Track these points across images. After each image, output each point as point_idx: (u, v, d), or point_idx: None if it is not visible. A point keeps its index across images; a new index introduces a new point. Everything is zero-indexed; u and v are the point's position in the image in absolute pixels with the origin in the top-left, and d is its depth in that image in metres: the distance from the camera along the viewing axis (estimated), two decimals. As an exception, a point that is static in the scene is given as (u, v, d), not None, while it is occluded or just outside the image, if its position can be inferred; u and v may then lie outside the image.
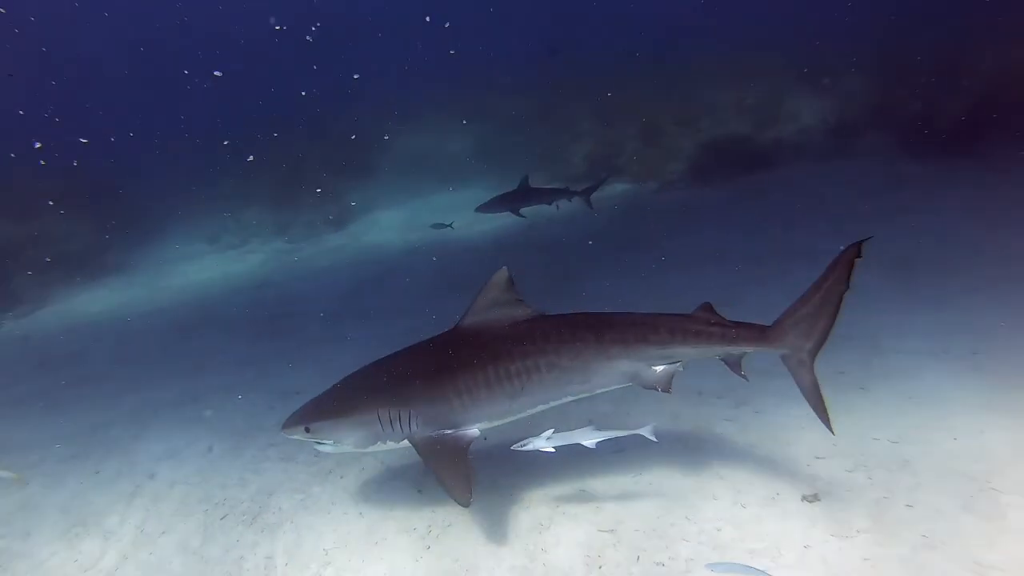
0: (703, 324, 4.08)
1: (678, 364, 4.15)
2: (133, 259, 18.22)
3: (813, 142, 15.78)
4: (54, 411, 8.07)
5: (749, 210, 12.24)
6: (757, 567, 3.33)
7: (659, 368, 4.15)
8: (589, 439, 4.09)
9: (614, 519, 4.29)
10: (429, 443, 4.13)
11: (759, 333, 4.00)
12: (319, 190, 17.61)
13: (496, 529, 4.37)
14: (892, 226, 9.52)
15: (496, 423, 4.34)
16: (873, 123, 15.49)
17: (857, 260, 3.78)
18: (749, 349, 4.07)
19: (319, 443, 4.32)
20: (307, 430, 4.27)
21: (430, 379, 4.18)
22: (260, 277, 15.06)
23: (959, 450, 4.47)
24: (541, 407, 4.33)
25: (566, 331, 4.18)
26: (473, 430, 4.22)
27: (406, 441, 4.21)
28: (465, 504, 3.88)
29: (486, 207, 12.53)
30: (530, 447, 4.06)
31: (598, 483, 4.71)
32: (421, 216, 16.92)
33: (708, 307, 4.16)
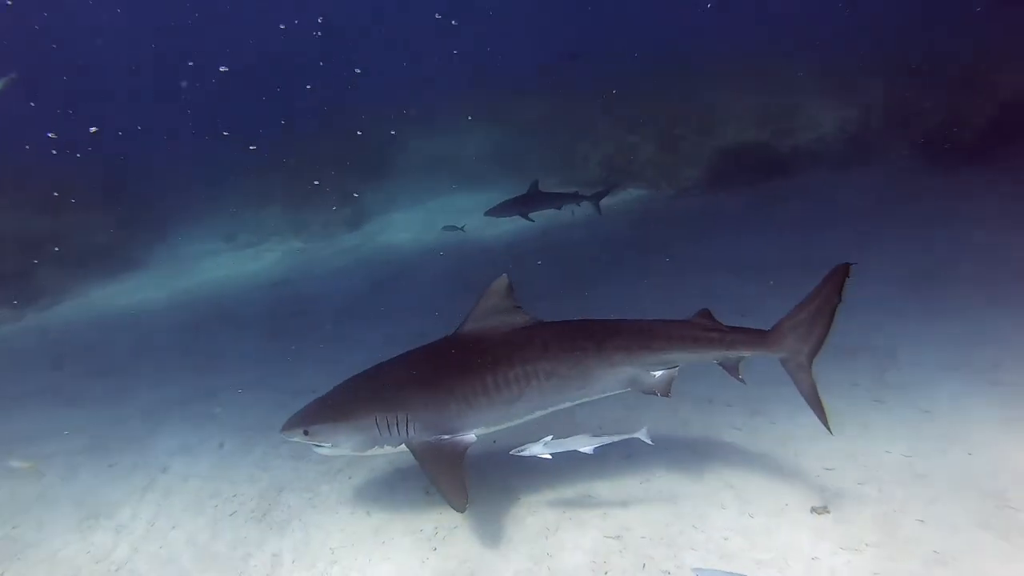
0: (702, 330, 4.17)
1: (676, 369, 4.21)
2: (152, 255, 18.48)
3: (832, 150, 15.62)
4: (71, 404, 8.19)
5: (766, 218, 12.14)
6: (742, 573, 3.35)
7: (658, 373, 4.21)
8: (586, 445, 4.12)
9: (621, 526, 4.27)
10: (426, 448, 4.16)
11: (758, 338, 4.09)
12: (316, 182, 17.70)
13: (503, 532, 4.36)
14: (911, 236, 9.40)
15: (494, 428, 4.37)
16: (894, 131, 15.30)
17: (847, 279, 3.96)
18: (748, 353, 4.14)
19: (318, 446, 4.36)
20: (306, 433, 4.32)
21: (428, 385, 4.22)
22: (275, 276, 15.19)
23: (975, 466, 4.40)
24: (539, 412, 4.36)
25: (565, 338, 4.24)
26: (470, 436, 4.26)
27: (403, 446, 4.25)
28: (460, 509, 3.92)
29: (495, 211, 12.60)
30: (527, 453, 4.11)
31: (606, 489, 4.70)
32: (436, 218, 16.99)
33: (707, 313, 4.25)
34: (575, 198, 12.45)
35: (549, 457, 4.12)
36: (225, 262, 17.59)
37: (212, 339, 10.40)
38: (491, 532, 4.38)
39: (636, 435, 4.14)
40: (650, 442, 4.15)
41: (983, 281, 7.40)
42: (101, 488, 5.81)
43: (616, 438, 4.14)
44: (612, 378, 4.25)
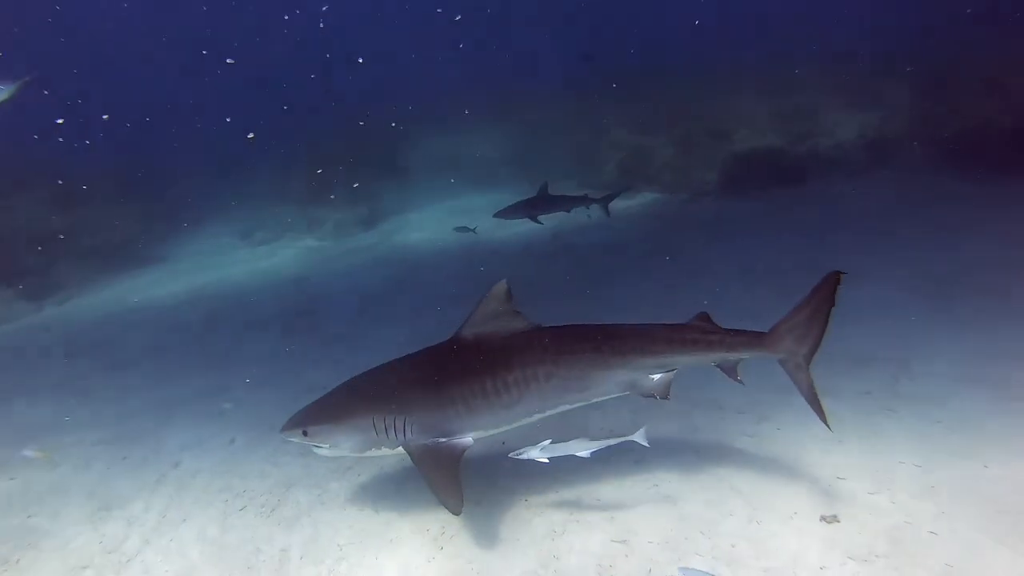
0: (701, 333, 4.25)
1: (674, 372, 4.28)
2: (168, 251, 18.68)
3: (850, 156, 15.47)
4: (87, 396, 8.30)
5: (781, 224, 12.04)
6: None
7: (656, 376, 4.28)
8: (583, 449, 4.15)
9: (628, 530, 4.26)
10: (423, 451, 4.20)
11: (757, 340, 4.19)
12: (320, 170, 17.78)
13: (510, 533, 4.37)
14: (927, 244, 9.30)
15: (492, 432, 4.41)
16: (915, 137, 15.12)
17: (839, 286, 4.14)
18: (747, 355, 4.23)
19: (317, 446, 4.41)
20: (305, 433, 4.38)
21: (426, 388, 4.26)
22: (290, 273, 15.29)
23: (990, 479, 4.34)
24: (538, 416, 4.40)
25: (564, 342, 4.29)
26: (467, 439, 4.29)
27: (401, 448, 4.29)
28: (456, 512, 3.96)
29: (504, 213, 12.63)
30: (526, 456, 4.16)
31: (614, 492, 4.68)
32: (451, 218, 17.03)
33: (705, 316, 4.35)
34: (584, 201, 12.45)
35: (547, 461, 4.17)
36: (240, 259, 17.74)
37: (226, 336, 10.50)
38: (498, 533, 4.39)
39: (632, 437, 4.17)
40: (646, 444, 4.20)
41: (1000, 292, 7.30)
42: (114, 480, 5.88)
43: (612, 441, 4.17)
44: (611, 381, 4.30)
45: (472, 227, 14.20)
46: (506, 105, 22.55)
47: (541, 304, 8.90)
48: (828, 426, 4.13)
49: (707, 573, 3.45)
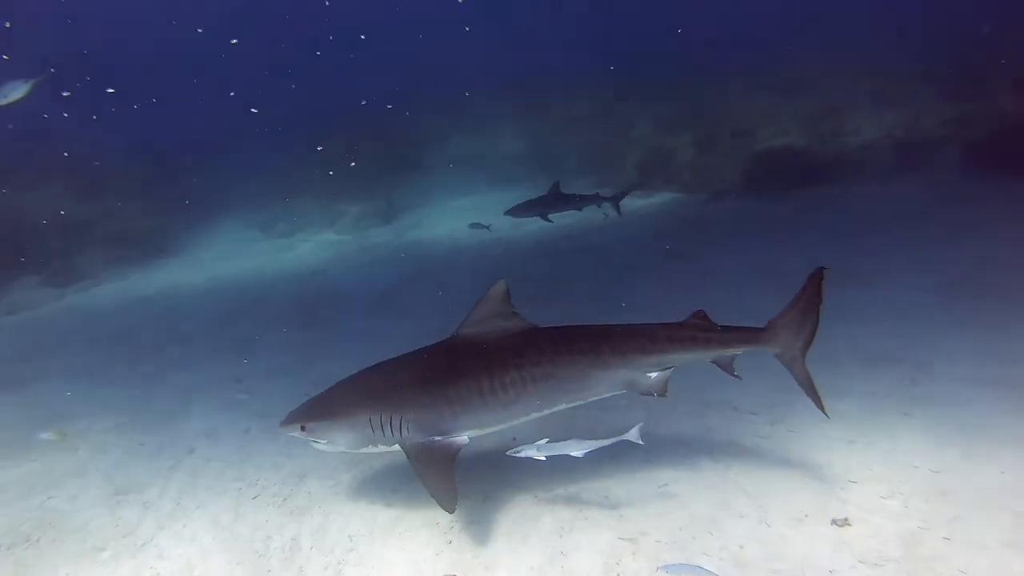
0: (698, 331, 4.37)
1: (671, 370, 4.38)
2: (189, 242, 18.94)
3: (876, 156, 15.20)
4: (105, 383, 8.46)
5: (801, 226, 11.90)
6: (709, 568, 3.48)
7: (653, 374, 4.36)
8: (578, 449, 4.19)
9: (636, 528, 4.24)
10: (418, 448, 4.24)
11: (754, 335, 4.37)
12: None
13: (518, 529, 4.37)
14: (953, 247, 9.12)
15: (488, 430, 4.44)
16: (942, 138, 14.83)
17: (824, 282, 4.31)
18: (744, 350, 4.41)
19: (315, 441, 4.48)
20: (303, 429, 4.45)
21: (422, 386, 4.31)
22: (307, 267, 15.44)
23: (1008, 485, 4.26)
24: (535, 415, 4.43)
25: (562, 342, 4.35)
26: (463, 438, 4.33)
27: (397, 445, 4.33)
28: (449, 510, 4.03)
29: (515, 211, 12.65)
30: (523, 454, 4.21)
31: (623, 491, 4.67)
32: (469, 215, 17.05)
33: (702, 314, 4.45)
34: (595, 200, 12.44)
35: (544, 459, 4.22)
36: (260, 251, 17.95)
37: (243, 327, 10.62)
38: (506, 528, 4.39)
39: (626, 436, 4.20)
40: (641, 442, 4.23)
41: (1019, 295, 7.16)
42: (130, 465, 5.99)
43: (607, 442, 4.21)
44: (609, 380, 4.36)
45: (486, 224, 14.23)
46: (526, 102, 22.52)
47: (554, 304, 8.94)
48: (826, 414, 4.33)
49: (690, 566, 3.52)
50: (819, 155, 15.79)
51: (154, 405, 7.43)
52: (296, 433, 4.49)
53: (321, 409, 4.50)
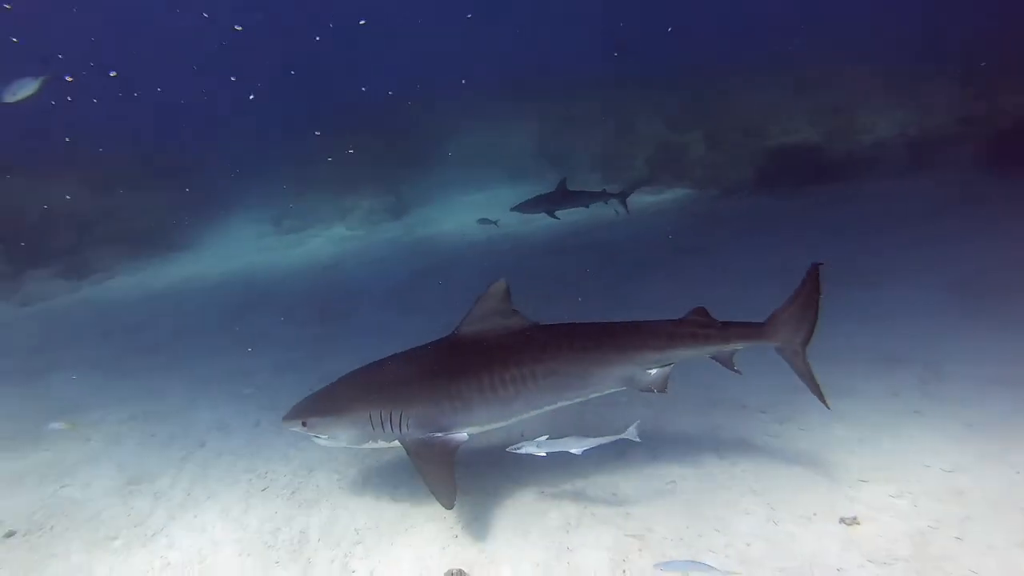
0: (698, 327, 4.40)
1: (671, 366, 4.41)
2: (202, 237, 19.07)
3: (889, 154, 15.05)
4: (118, 375, 8.55)
5: (814, 224, 11.80)
6: (711, 564, 3.51)
7: (653, 371, 4.39)
8: (577, 447, 4.21)
9: (643, 525, 4.24)
10: (418, 445, 4.27)
11: (755, 330, 4.41)
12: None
13: (524, 525, 4.38)
14: (965, 245, 9.01)
15: (488, 427, 4.46)
16: (957, 136, 14.64)
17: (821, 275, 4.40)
18: (742, 345, 4.44)
19: (316, 437, 4.51)
20: (304, 424, 4.48)
21: (422, 383, 4.33)
22: (318, 262, 15.51)
23: (1021, 485, 4.21)
24: (534, 412, 4.45)
25: (562, 339, 4.37)
26: (462, 434, 4.35)
27: (397, 441, 4.35)
28: (448, 506, 4.06)
29: (522, 207, 12.64)
30: (523, 451, 4.22)
31: (630, 487, 4.67)
32: (480, 211, 17.05)
33: (702, 311, 4.49)
34: (602, 196, 12.41)
35: (544, 455, 4.24)
36: (271, 246, 18.04)
37: (254, 321, 10.69)
38: (513, 524, 4.40)
39: (624, 435, 4.20)
40: (638, 440, 4.24)
41: (1035, 294, 7.07)
42: (143, 456, 6.05)
43: (606, 440, 4.22)
44: (608, 377, 4.39)
45: (494, 220, 14.23)
46: (536, 98, 22.46)
47: (563, 301, 8.93)
48: (826, 404, 4.36)
49: (690, 562, 3.54)
50: (832, 152, 15.65)
51: (166, 397, 7.50)
52: (298, 428, 4.54)
53: (323, 405, 4.54)
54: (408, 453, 4.28)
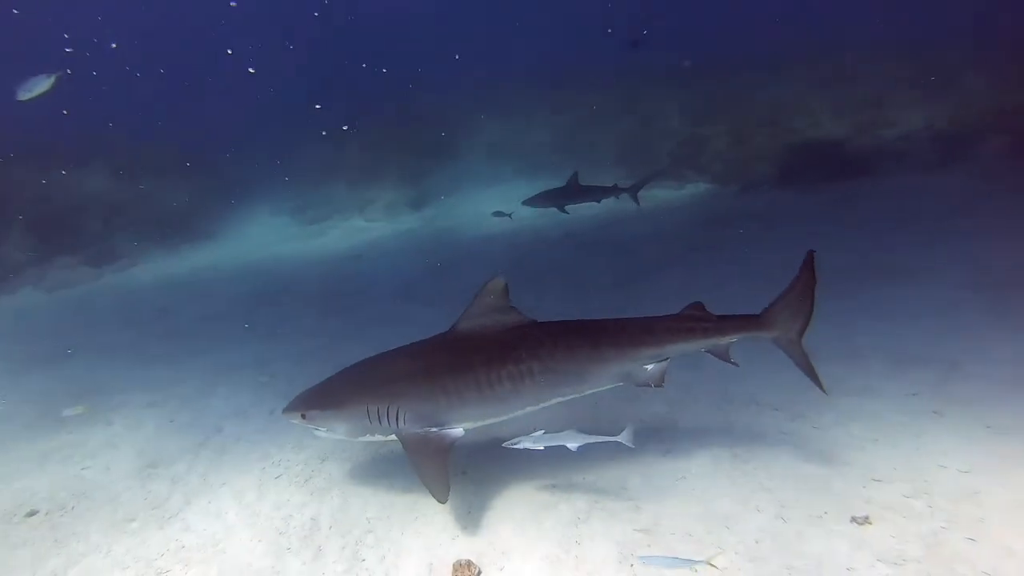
0: (695, 321, 4.44)
1: (667, 361, 4.44)
2: (222, 226, 19.29)
3: (916, 149, 14.73)
4: (141, 361, 8.71)
5: (836, 219, 11.59)
6: (696, 559, 3.54)
7: (650, 366, 4.41)
8: (573, 442, 4.24)
9: (652, 520, 4.23)
10: (414, 439, 4.29)
11: (752, 322, 4.45)
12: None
13: (534, 517, 4.39)
14: (994, 242, 8.82)
15: (484, 423, 4.48)
16: (986, 129, 14.29)
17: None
18: (741, 336, 4.47)
19: (315, 429, 4.57)
20: (303, 417, 4.54)
21: (419, 379, 4.36)
22: (337, 253, 15.63)
23: (1039, 488, 4.13)
24: (530, 409, 4.46)
25: (559, 336, 4.38)
26: (458, 430, 4.37)
27: (394, 435, 4.39)
28: (442, 500, 4.09)
29: (533, 201, 12.62)
30: (520, 446, 4.25)
31: (640, 482, 4.66)
32: (499, 204, 17.06)
33: (699, 306, 4.54)
34: (614, 191, 12.36)
35: (542, 448, 4.26)
36: (291, 236, 18.22)
37: (272, 310, 10.82)
38: (523, 516, 4.41)
39: (617, 438, 4.21)
40: (631, 445, 4.23)
41: (1066, 295, 6.91)
42: (161, 441, 6.17)
43: (601, 438, 4.23)
44: (605, 373, 4.40)
45: (508, 212, 14.23)
46: (557, 91, 22.35)
47: (579, 294, 8.89)
48: (824, 390, 4.43)
49: (667, 558, 3.60)
50: (856, 146, 15.38)
51: (186, 383, 7.63)
52: (297, 420, 4.59)
53: (321, 398, 4.59)
54: (404, 447, 4.31)
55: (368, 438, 4.50)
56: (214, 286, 13.64)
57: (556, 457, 4.62)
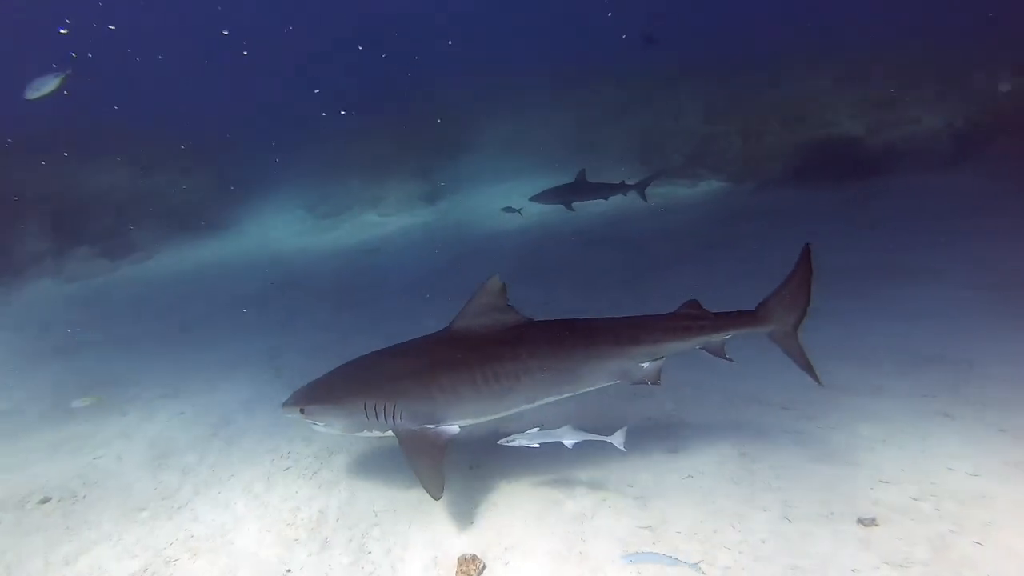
0: (690, 319, 4.49)
1: (663, 359, 4.48)
2: (237, 220, 19.44)
3: (933, 147, 14.55)
4: (154, 353, 8.82)
5: (850, 219, 11.47)
6: (682, 559, 3.53)
7: (646, 364, 4.45)
8: (569, 439, 4.25)
9: (657, 518, 4.23)
10: (410, 436, 4.31)
11: (748, 317, 4.50)
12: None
13: (540, 513, 4.40)
14: (1011, 243, 8.69)
15: (480, 420, 4.48)
16: (1005, 127, 14.05)
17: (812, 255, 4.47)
18: (737, 332, 4.51)
19: (314, 424, 4.60)
20: (302, 411, 4.57)
21: (416, 376, 4.37)
22: (350, 247, 15.70)
23: (1051, 493, 4.08)
24: (526, 407, 4.48)
25: (555, 335, 4.42)
26: (454, 427, 4.38)
27: (390, 431, 4.41)
28: (436, 497, 4.10)
29: (540, 197, 12.61)
30: (517, 443, 4.26)
31: (647, 480, 4.65)
32: (512, 200, 17.05)
33: (695, 304, 4.59)
34: (621, 188, 12.33)
35: (537, 446, 4.28)
36: (305, 230, 18.33)
37: (286, 304, 10.90)
38: (528, 512, 4.43)
39: (609, 439, 4.22)
40: (623, 449, 4.24)
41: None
42: (172, 432, 6.25)
43: (595, 437, 4.24)
44: (602, 371, 4.43)
45: (518, 208, 14.23)
46: (570, 88, 22.27)
47: (588, 292, 8.88)
48: (819, 381, 4.45)
49: (653, 554, 3.62)
50: (873, 145, 15.20)
51: (198, 375, 7.72)
52: (295, 415, 4.63)
53: (320, 393, 4.62)
54: (399, 443, 4.34)
55: (365, 434, 4.53)
56: (228, 279, 13.77)
57: (562, 454, 4.62)
